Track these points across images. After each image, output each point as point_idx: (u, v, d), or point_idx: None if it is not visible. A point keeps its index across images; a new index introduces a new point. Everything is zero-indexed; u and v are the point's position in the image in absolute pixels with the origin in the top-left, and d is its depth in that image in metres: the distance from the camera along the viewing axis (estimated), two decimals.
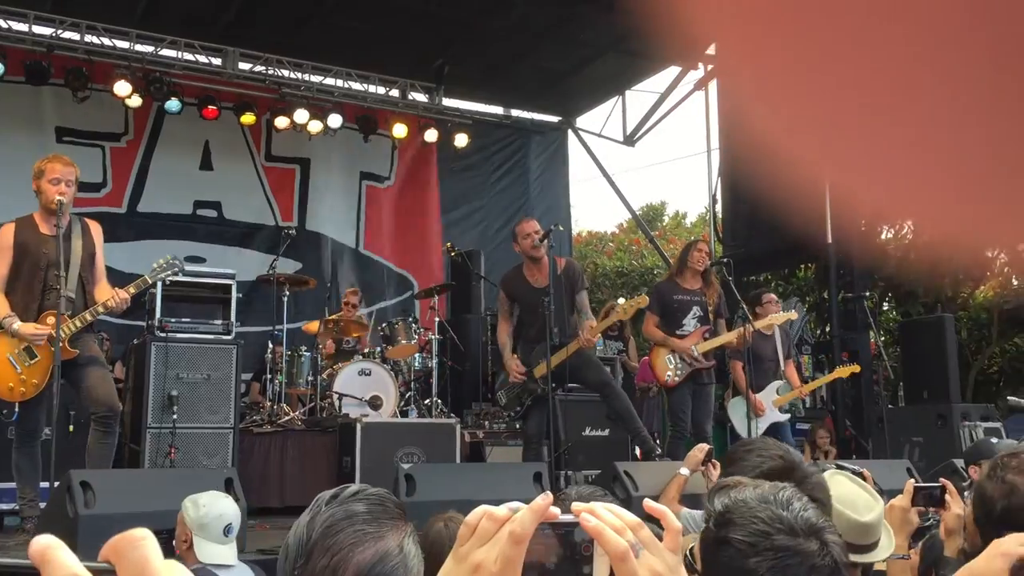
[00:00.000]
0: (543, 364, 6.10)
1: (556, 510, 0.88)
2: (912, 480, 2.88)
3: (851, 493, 2.44)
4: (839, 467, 3.27)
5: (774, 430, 7.36)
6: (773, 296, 7.75)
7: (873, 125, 0.40)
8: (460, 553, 0.90)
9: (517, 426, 7.88)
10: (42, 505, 4.87)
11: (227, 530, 3.34)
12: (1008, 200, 0.39)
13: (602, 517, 0.89)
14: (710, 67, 11.16)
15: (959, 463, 5.83)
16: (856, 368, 7.83)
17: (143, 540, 0.59)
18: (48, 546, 0.57)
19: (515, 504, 0.90)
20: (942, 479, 2.89)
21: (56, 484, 4.35)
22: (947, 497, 2.81)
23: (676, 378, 6.72)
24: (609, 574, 0.90)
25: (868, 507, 2.43)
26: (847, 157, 0.42)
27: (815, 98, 0.41)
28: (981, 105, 0.37)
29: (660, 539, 0.93)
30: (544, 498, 0.87)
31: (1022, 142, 0.37)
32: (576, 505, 0.91)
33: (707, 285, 6.95)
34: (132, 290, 5.12)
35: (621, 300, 7.08)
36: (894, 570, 2.72)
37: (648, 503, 1.00)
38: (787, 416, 7.55)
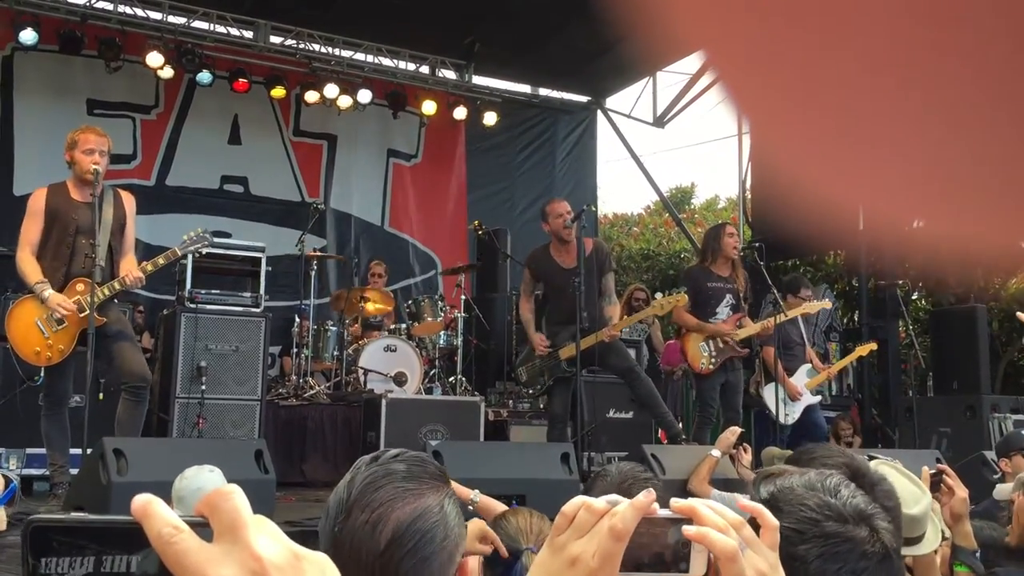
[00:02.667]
0: (570, 346, 6.06)
1: (655, 505, 0.87)
2: (926, 467, 2.84)
3: (897, 485, 2.41)
4: (870, 457, 3.24)
5: (809, 411, 7.35)
6: (810, 292, 7.72)
7: (896, 124, 0.39)
8: (557, 543, 0.89)
9: (541, 406, 7.88)
10: (72, 471, 4.92)
11: None
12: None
13: (704, 516, 0.87)
14: None
15: (990, 455, 5.77)
16: (873, 346, 7.79)
17: (233, 494, 0.61)
18: (149, 501, 0.59)
19: (613, 497, 0.88)
20: (938, 464, 2.87)
21: (88, 451, 4.38)
22: (949, 482, 2.78)
23: (711, 366, 6.65)
24: (706, 570, 0.88)
25: (915, 499, 2.39)
26: (873, 163, 0.40)
27: (836, 103, 0.39)
28: (1014, 97, 0.35)
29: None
30: (647, 495, 0.86)
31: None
32: (676, 502, 0.89)
33: (736, 271, 6.89)
34: (161, 261, 5.15)
35: (659, 295, 7.01)
36: (924, 561, 2.69)
37: (741, 500, 0.98)
38: (819, 397, 7.57)
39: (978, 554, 2.72)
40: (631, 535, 0.85)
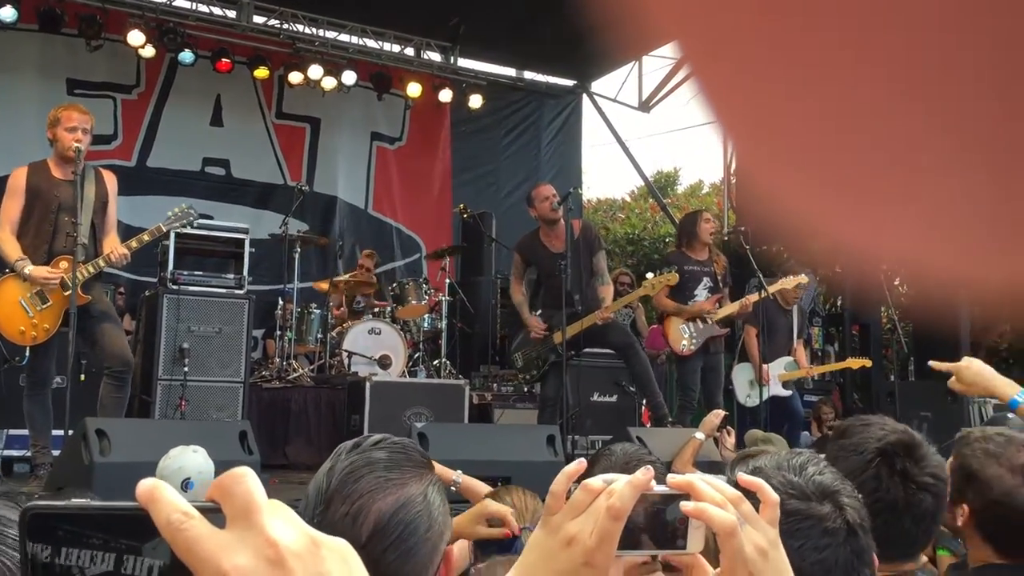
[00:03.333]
0: (559, 332, 6.10)
1: (652, 482, 0.86)
2: None
3: None
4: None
5: (773, 403, 7.38)
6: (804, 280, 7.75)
7: (869, 159, 0.37)
8: (552, 524, 0.87)
9: (526, 389, 7.89)
10: (54, 452, 4.89)
11: (185, 484, 3.27)
12: (1011, 227, 0.36)
13: (702, 492, 0.86)
14: None
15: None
16: (867, 362, 7.80)
17: (245, 476, 0.57)
18: (155, 486, 0.55)
19: (610, 476, 0.87)
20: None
21: (70, 432, 4.34)
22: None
23: (692, 347, 6.73)
24: (703, 546, 0.87)
25: None
26: (846, 198, 0.39)
27: (806, 135, 0.38)
28: (979, 126, 0.34)
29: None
30: (645, 472, 0.84)
31: (1018, 170, 0.35)
32: (672, 478, 0.88)
33: (713, 254, 6.95)
34: (146, 238, 5.12)
35: (650, 275, 7.04)
36: None
37: (742, 476, 0.97)
38: (789, 393, 7.57)
39: (961, 539, 2.74)
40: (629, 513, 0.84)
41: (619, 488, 0.84)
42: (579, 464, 0.92)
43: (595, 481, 0.87)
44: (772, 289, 6.91)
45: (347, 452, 1.40)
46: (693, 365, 6.79)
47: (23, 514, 0.55)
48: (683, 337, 6.74)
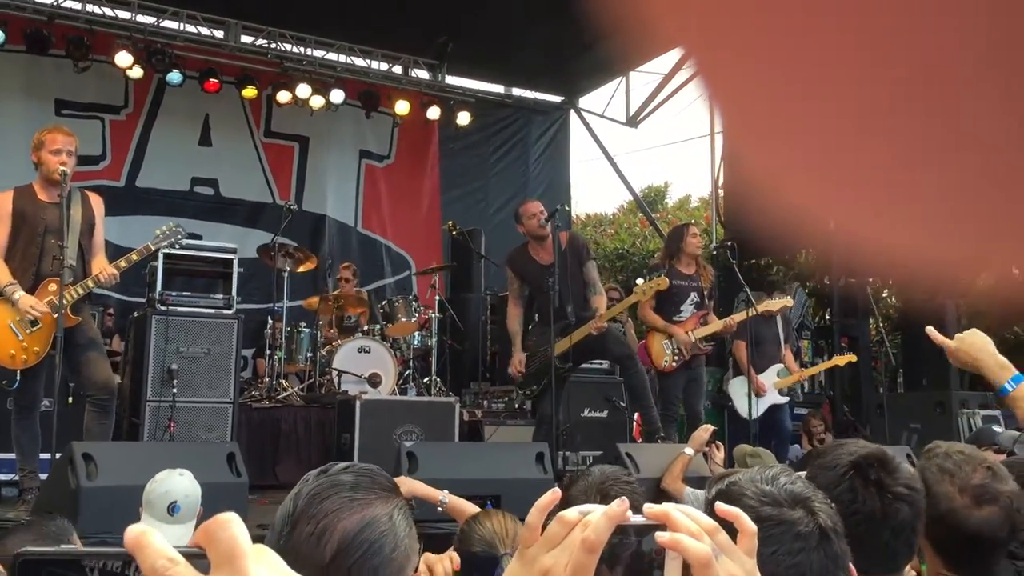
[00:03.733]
0: (561, 342, 6.09)
1: (628, 512, 0.86)
2: None
3: None
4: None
5: (772, 412, 7.41)
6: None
7: (868, 158, 0.38)
8: (527, 556, 0.87)
9: (516, 406, 7.88)
10: (42, 476, 4.86)
11: (171, 508, 3.25)
12: (1002, 223, 0.38)
13: (678, 522, 0.86)
14: None
15: None
16: (852, 358, 7.85)
17: (231, 522, 0.58)
18: (143, 532, 0.56)
19: (586, 507, 0.87)
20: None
21: (57, 456, 4.33)
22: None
23: (674, 363, 6.71)
24: None
25: None
26: (846, 194, 0.40)
27: (806, 134, 0.40)
28: (975, 123, 0.35)
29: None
30: (620, 504, 0.84)
31: (1015, 164, 0.35)
32: (649, 508, 0.88)
33: (701, 269, 6.94)
34: (135, 257, 5.10)
35: (640, 281, 7.05)
36: None
37: (720, 506, 0.97)
38: (786, 399, 7.63)
39: None
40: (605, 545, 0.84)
41: (594, 520, 0.84)
42: (553, 494, 0.93)
43: (570, 513, 0.87)
44: (761, 308, 6.94)
45: (314, 476, 1.42)
46: (675, 380, 6.76)
47: (13, 561, 0.57)
48: (665, 353, 6.71)
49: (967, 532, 1.95)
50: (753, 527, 0.93)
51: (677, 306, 6.77)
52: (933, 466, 2.03)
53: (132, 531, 0.56)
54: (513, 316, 6.51)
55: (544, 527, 0.89)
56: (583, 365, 7.43)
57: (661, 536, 0.85)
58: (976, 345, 2.50)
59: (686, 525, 0.86)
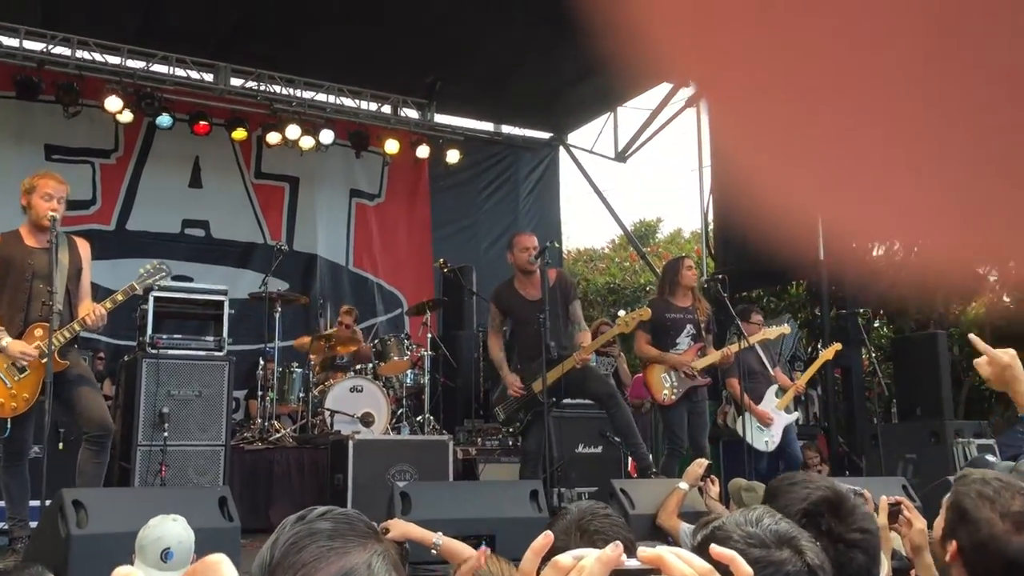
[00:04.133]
0: (539, 380, 6.01)
1: (623, 556, 0.86)
2: (885, 497, 2.86)
3: None
4: None
5: (786, 435, 7.37)
6: (761, 317, 7.79)
7: (860, 147, 0.39)
8: None
9: (510, 443, 7.84)
10: (32, 524, 4.81)
11: (165, 555, 3.22)
12: (997, 217, 0.38)
13: (672, 566, 0.87)
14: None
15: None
16: (838, 346, 7.78)
17: (220, 563, 0.58)
18: (128, 574, 0.56)
19: (580, 552, 0.87)
20: (897, 496, 2.88)
21: (47, 503, 4.28)
22: (906, 514, 2.79)
23: (674, 396, 6.66)
24: None
25: None
26: (834, 181, 0.41)
27: (802, 124, 0.39)
28: (969, 123, 0.36)
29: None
30: (614, 548, 0.85)
31: (1010, 160, 0.36)
32: (643, 552, 0.88)
33: (697, 301, 6.94)
34: (120, 297, 5.07)
35: (622, 312, 7.06)
36: None
37: (715, 548, 0.98)
38: (795, 415, 7.59)
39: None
40: None
41: (588, 565, 0.84)
42: (545, 538, 0.93)
43: (565, 558, 0.87)
44: (754, 339, 6.93)
45: (291, 524, 1.40)
46: (678, 412, 6.70)
47: None
48: (664, 386, 6.68)
49: (1008, 557, 1.96)
50: (748, 569, 0.93)
51: (673, 338, 6.75)
52: (972, 492, 2.04)
53: (119, 573, 0.56)
54: (495, 345, 6.48)
55: (539, 571, 0.89)
56: (576, 401, 7.45)
57: None
58: (1015, 368, 2.61)
59: (679, 569, 0.86)
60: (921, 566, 2.74)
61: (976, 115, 0.35)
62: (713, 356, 6.77)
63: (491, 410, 6.79)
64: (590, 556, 0.86)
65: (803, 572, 1.39)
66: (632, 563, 0.87)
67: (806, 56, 0.37)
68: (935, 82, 0.35)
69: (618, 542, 0.87)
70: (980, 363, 2.68)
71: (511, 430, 6.50)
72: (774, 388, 7.48)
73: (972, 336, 2.80)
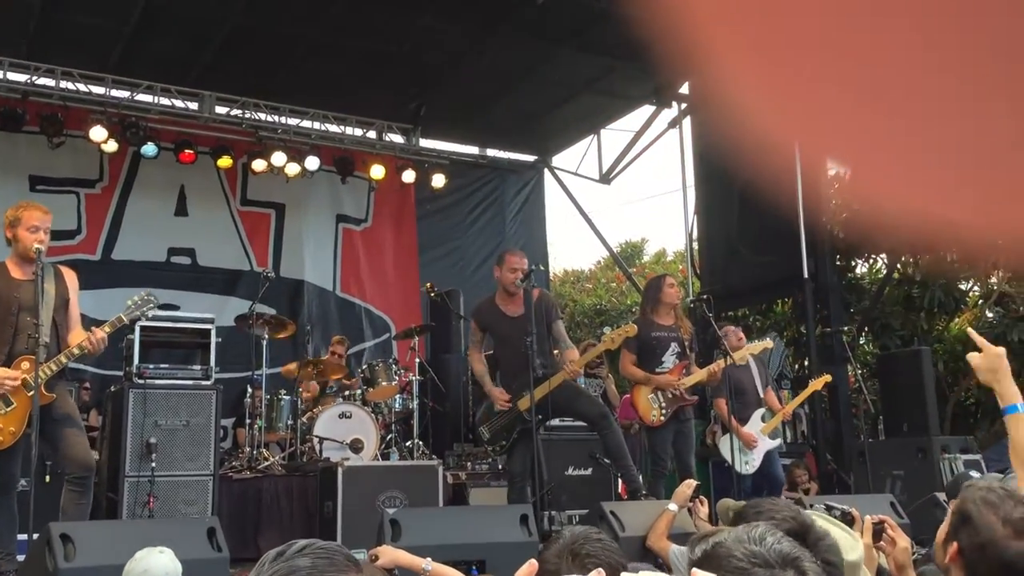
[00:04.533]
0: (526, 397, 5.90)
1: None
2: (869, 517, 2.90)
3: (835, 535, 2.45)
4: (828, 507, 3.27)
5: (768, 458, 7.37)
6: (731, 327, 7.73)
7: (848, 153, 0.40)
8: None
9: (500, 467, 7.83)
10: (20, 558, 4.77)
11: None
12: (1006, 189, 0.39)
13: None
14: (683, 106, 11.31)
15: (941, 496, 5.86)
16: (827, 378, 7.79)
17: None
18: None
19: None
20: (880, 516, 2.91)
21: (35, 536, 4.26)
22: (889, 533, 2.82)
23: (663, 417, 6.62)
24: None
25: (851, 547, 2.44)
26: (817, 183, 0.42)
27: (788, 131, 0.41)
28: (972, 101, 0.37)
29: None
30: (597, 574, 0.87)
31: (1013, 131, 0.37)
32: None
33: (679, 320, 6.93)
34: (108, 329, 5.04)
35: (607, 329, 7.07)
36: None
37: (697, 573, 1.00)
38: (778, 440, 7.57)
39: None
40: None
41: None
42: (530, 567, 0.95)
43: None
44: (738, 356, 6.94)
45: (270, 562, 1.39)
46: (664, 435, 6.68)
47: None
48: (652, 407, 6.64)
49: (1004, 561, 2.02)
50: None
51: (659, 357, 6.72)
52: (976, 498, 2.12)
53: None
54: (476, 360, 6.43)
55: None
56: (565, 423, 7.44)
57: None
58: (1001, 366, 2.73)
59: None
60: None
61: (980, 91, 0.36)
62: (699, 374, 6.75)
63: (476, 430, 6.69)
64: None
65: None
66: None
67: (812, 36, 0.38)
68: (937, 64, 0.36)
69: (600, 570, 0.89)
70: (972, 356, 2.77)
71: (496, 449, 6.42)
72: (761, 411, 7.48)
73: (970, 329, 2.98)
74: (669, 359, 6.74)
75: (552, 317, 6.30)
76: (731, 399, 6.85)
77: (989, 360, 2.73)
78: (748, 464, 7.27)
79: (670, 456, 6.73)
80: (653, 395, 6.66)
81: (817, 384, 7.76)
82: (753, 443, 7.28)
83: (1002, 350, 2.74)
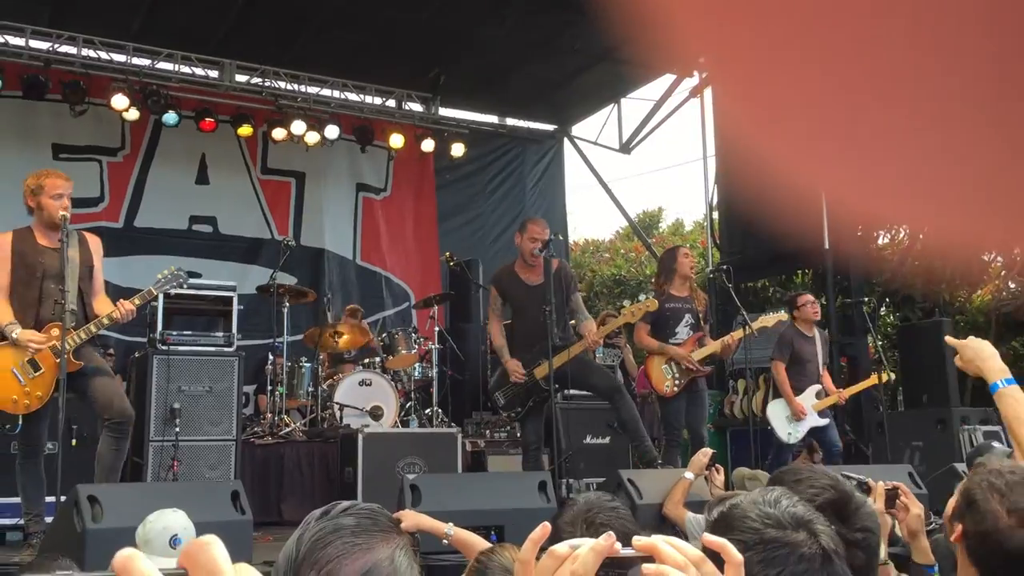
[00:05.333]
0: (543, 365, 5.96)
1: (617, 545, 0.89)
2: (881, 483, 2.90)
3: None
4: (846, 477, 3.29)
5: (814, 434, 7.30)
6: (808, 296, 7.58)
7: (866, 131, 0.39)
8: None
9: (519, 435, 7.89)
10: (47, 520, 4.87)
11: (173, 541, 3.29)
12: (1002, 202, 0.39)
13: (664, 554, 0.90)
14: (704, 74, 11.20)
15: (961, 467, 5.85)
16: (891, 375, 7.66)
17: (211, 544, 0.62)
18: (130, 557, 0.60)
19: (576, 541, 0.91)
20: (894, 482, 2.91)
21: (62, 499, 4.34)
22: (902, 499, 2.83)
23: (676, 388, 6.65)
24: None
25: None
26: (841, 164, 0.41)
27: (807, 106, 0.40)
28: (974, 108, 0.37)
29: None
30: (607, 538, 0.88)
31: (1014, 144, 0.37)
32: (637, 541, 0.91)
33: (694, 291, 6.94)
34: (137, 302, 5.12)
35: (627, 302, 7.09)
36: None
37: (707, 537, 1.01)
38: (827, 420, 7.35)
39: (935, 568, 2.77)
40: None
41: (583, 554, 0.88)
42: (543, 529, 0.96)
43: (561, 547, 0.91)
44: (756, 325, 6.93)
45: (316, 520, 1.42)
46: (677, 405, 6.70)
47: None
48: (666, 378, 6.67)
49: (1007, 551, 2.00)
50: (739, 557, 0.96)
51: (672, 328, 6.74)
52: (984, 482, 2.08)
53: (120, 555, 0.60)
54: (497, 331, 6.44)
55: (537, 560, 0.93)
56: (583, 392, 7.47)
57: (647, 568, 0.89)
58: (982, 349, 2.77)
59: (672, 557, 0.89)
60: (917, 551, 2.78)
61: (982, 98, 0.36)
62: (712, 346, 6.74)
63: (490, 396, 6.67)
64: (585, 545, 0.89)
65: (817, 555, 1.41)
66: (628, 551, 0.90)
67: (816, 39, 0.38)
68: (941, 65, 0.36)
69: (611, 532, 0.90)
70: (957, 360, 2.84)
71: (511, 415, 6.44)
72: (818, 388, 7.35)
73: (948, 338, 3.05)
74: (683, 330, 6.75)
75: (571, 289, 6.34)
76: (749, 374, 6.86)
77: (967, 354, 2.76)
78: (792, 435, 7.20)
79: (683, 426, 6.77)
80: (667, 365, 6.67)
81: (877, 379, 7.55)
82: (802, 415, 7.19)
83: (975, 342, 2.79)
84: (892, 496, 2.82)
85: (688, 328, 6.77)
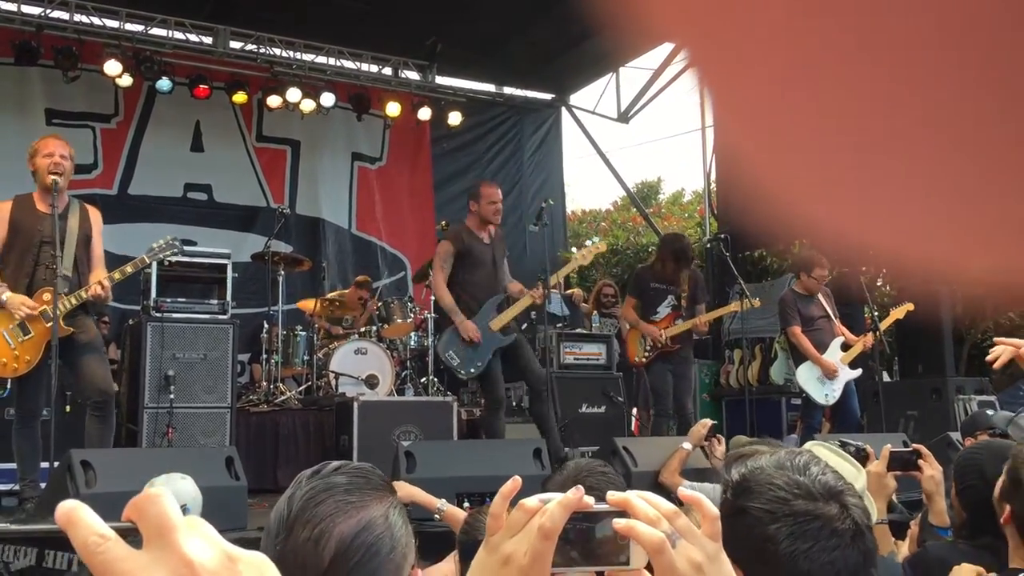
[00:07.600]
0: (499, 318, 6.31)
1: (589, 499, 0.88)
2: (888, 446, 2.91)
3: (835, 465, 2.46)
4: (842, 443, 3.29)
5: (847, 389, 7.18)
6: (825, 272, 7.43)
7: (860, 158, 0.38)
8: (491, 543, 0.90)
9: (514, 404, 7.90)
10: (42, 485, 4.87)
11: (183, 511, 3.30)
12: (990, 229, 0.38)
13: (636, 508, 0.88)
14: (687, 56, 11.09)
15: (955, 436, 5.87)
16: (910, 306, 7.56)
17: (160, 497, 0.59)
18: (73, 508, 0.57)
19: (546, 495, 0.89)
20: (915, 444, 2.93)
21: (56, 464, 4.34)
22: (922, 461, 2.84)
23: (644, 358, 7.19)
24: (647, 561, 0.89)
25: (853, 477, 2.45)
26: (829, 175, 0.40)
27: (799, 128, 0.39)
28: (974, 131, 0.36)
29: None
30: (575, 491, 0.87)
31: (1006, 168, 0.35)
32: (612, 495, 0.90)
33: (682, 276, 7.25)
34: (129, 269, 5.11)
35: (574, 250, 7.41)
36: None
37: (683, 491, 0.99)
38: (859, 371, 7.26)
39: (949, 531, 2.78)
40: (562, 532, 0.86)
41: (551, 507, 0.87)
42: (514, 483, 0.94)
43: (530, 501, 0.89)
44: (717, 313, 7.22)
45: (307, 479, 1.41)
46: (659, 373, 7.13)
47: None
48: (639, 349, 7.26)
49: None
50: (714, 512, 0.93)
51: (655, 307, 7.24)
52: None
53: (63, 507, 0.57)
54: (445, 290, 6.39)
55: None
56: (579, 361, 7.69)
57: (618, 522, 0.87)
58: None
59: (644, 511, 0.88)
60: (934, 512, 2.79)
61: (983, 124, 0.35)
62: (684, 325, 7.14)
63: (441, 355, 6.51)
64: (555, 499, 0.88)
65: (849, 530, 1.34)
66: (601, 506, 0.89)
67: (807, 41, 0.37)
68: (941, 85, 0.35)
69: (580, 486, 0.88)
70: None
71: (470, 371, 6.39)
72: (840, 340, 7.22)
73: (998, 340, 3.19)
74: (663, 310, 7.25)
75: (505, 251, 6.74)
76: (744, 344, 6.89)
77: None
78: (829, 395, 7.06)
79: (669, 395, 7.09)
80: (641, 338, 7.25)
81: (899, 312, 7.50)
82: (834, 372, 7.05)
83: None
84: (906, 459, 2.84)
85: (669, 308, 7.25)
